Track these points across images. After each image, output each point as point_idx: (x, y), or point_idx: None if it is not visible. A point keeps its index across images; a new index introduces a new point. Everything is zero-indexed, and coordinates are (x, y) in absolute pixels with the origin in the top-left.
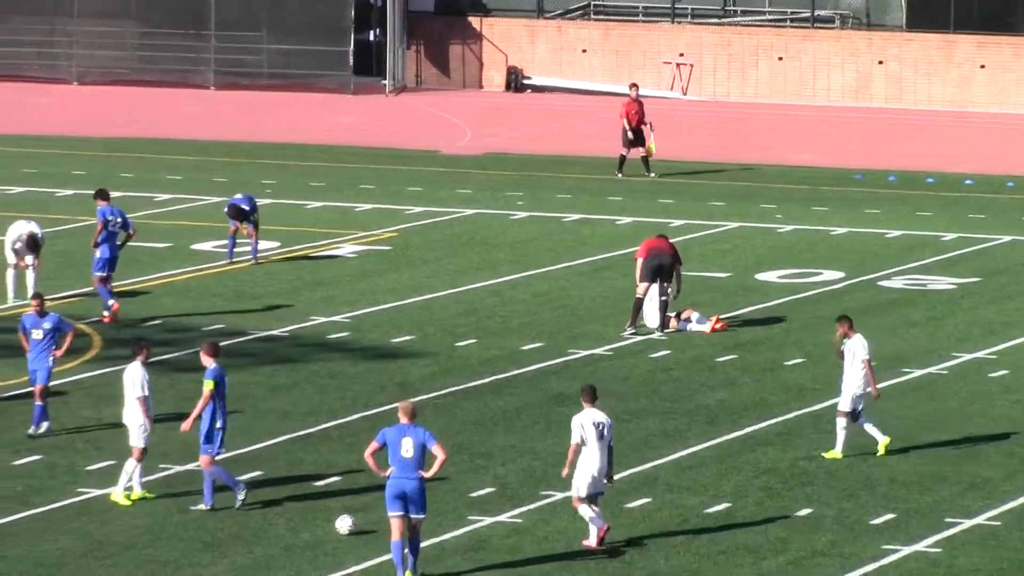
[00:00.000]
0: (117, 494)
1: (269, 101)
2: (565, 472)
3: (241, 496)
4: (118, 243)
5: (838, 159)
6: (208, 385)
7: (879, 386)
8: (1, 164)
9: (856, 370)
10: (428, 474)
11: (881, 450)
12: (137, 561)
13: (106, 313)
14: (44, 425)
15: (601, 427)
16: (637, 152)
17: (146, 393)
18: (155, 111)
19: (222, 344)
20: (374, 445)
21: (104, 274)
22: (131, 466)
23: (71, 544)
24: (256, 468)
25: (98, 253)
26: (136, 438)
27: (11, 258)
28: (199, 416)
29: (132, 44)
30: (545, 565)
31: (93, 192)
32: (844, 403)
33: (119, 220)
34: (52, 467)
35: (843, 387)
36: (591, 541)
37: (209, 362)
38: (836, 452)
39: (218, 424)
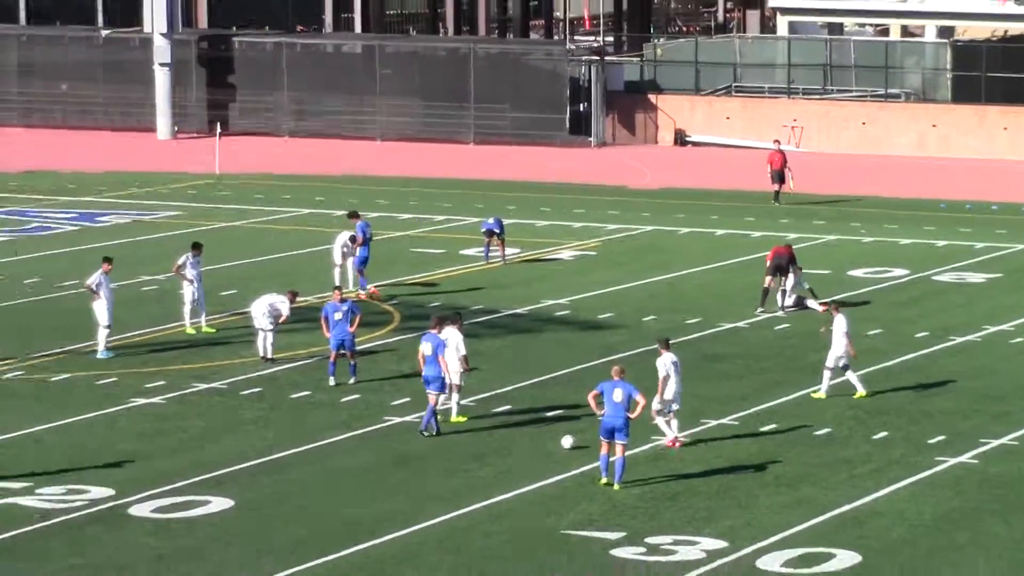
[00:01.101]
0: (454, 416)
1: (510, 152)
2: (658, 397)
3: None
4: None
5: (904, 192)
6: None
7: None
8: (330, 194)
9: (840, 339)
10: (633, 415)
11: (857, 397)
12: (427, 469)
13: (362, 293)
14: (352, 379)
15: (677, 364)
16: (777, 186)
17: (464, 352)
18: (433, 160)
19: (483, 319)
20: (594, 392)
21: (362, 268)
22: (456, 397)
23: (378, 457)
24: (507, 404)
25: (358, 253)
26: (457, 378)
27: (338, 259)
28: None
29: (417, 112)
30: (710, 476)
31: (347, 213)
32: (830, 361)
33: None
34: (367, 404)
35: (831, 351)
36: (667, 441)
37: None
38: (821, 393)
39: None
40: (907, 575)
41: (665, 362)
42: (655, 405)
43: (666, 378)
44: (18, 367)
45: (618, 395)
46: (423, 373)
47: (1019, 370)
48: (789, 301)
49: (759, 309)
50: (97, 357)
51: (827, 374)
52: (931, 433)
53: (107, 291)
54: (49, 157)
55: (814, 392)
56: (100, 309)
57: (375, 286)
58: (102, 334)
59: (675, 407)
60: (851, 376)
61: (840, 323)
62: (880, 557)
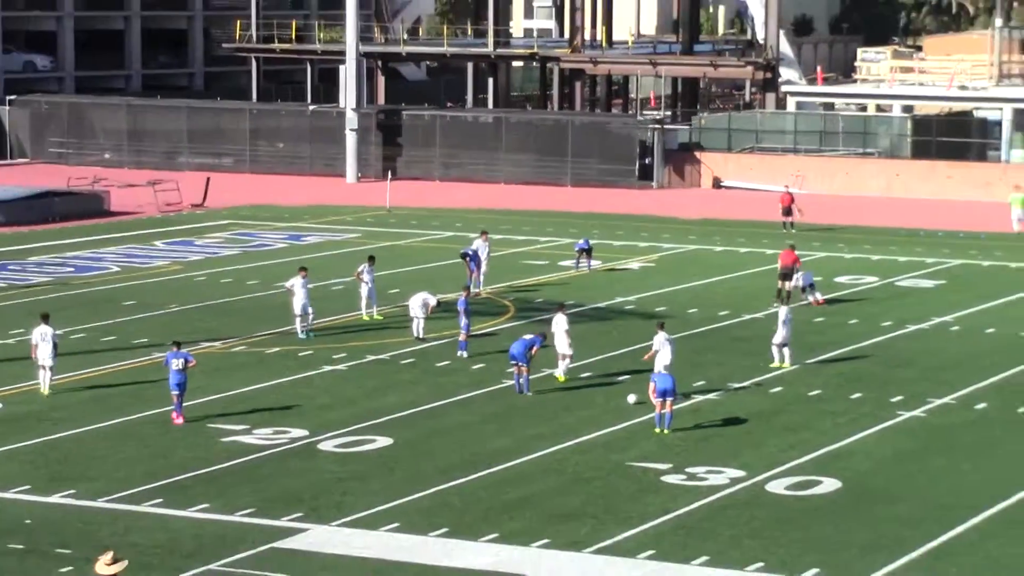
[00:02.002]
0: (560, 376)
1: (596, 193)
2: (646, 356)
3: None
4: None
5: (876, 223)
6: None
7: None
8: (467, 222)
9: (781, 324)
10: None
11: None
12: (531, 417)
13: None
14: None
15: (671, 342)
16: (785, 218)
17: (567, 327)
18: (541, 197)
19: (573, 311)
20: (653, 351)
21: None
22: (565, 364)
23: (496, 408)
24: (589, 371)
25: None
26: (567, 348)
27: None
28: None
29: (530, 163)
30: (734, 424)
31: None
32: (777, 339)
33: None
34: (490, 370)
35: (777, 332)
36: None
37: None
38: (777, 363)
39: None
40: (873, 496)
41: (660, 339)
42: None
43: (657, 351)
44: (242, 344)
45: (666, 378)
46: (511, 351)
47: (957, 350)
48: (811, 297)
49: (775, 303)
50: (299, 337)
51: (775, 350)
52: (893, 394)
53: (302, 290)
54: (269, 195)
55: (771, 364)
56: (296, 303)
57: (490, 289)
58: (297, 321)
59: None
60: (786, 351)
61: (784, 312)
62: (854, 483)
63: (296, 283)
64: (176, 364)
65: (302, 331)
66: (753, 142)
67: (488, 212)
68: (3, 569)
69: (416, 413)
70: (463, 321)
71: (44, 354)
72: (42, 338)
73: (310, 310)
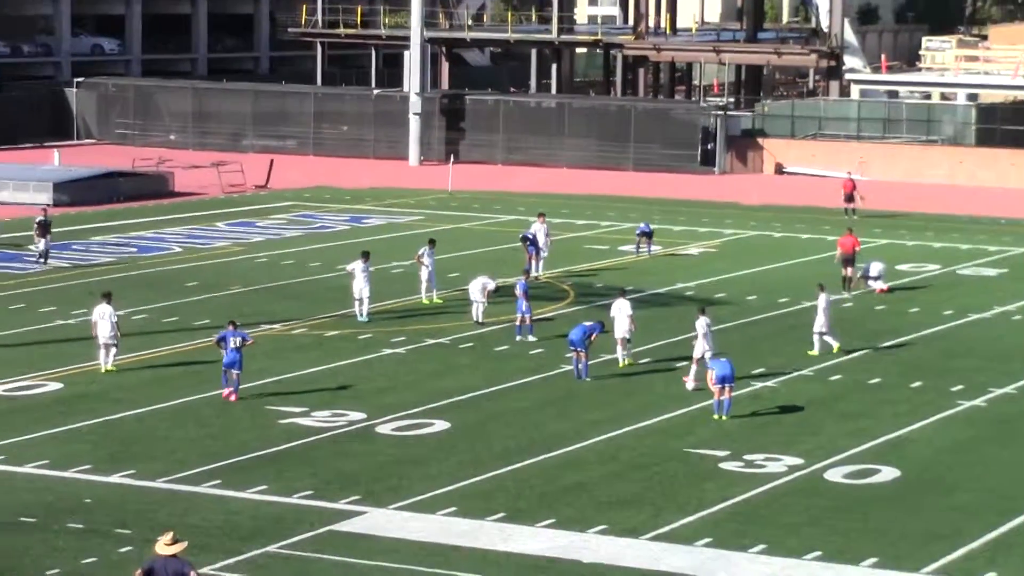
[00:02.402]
0: (622, 362)
1: (658, 178)
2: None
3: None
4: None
5: (938, 210)
6: None
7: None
8: (529, 206)
9: (821, 311)
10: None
11: (835, 351)
12: (590, 402)
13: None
14: (527, 336)
15: (709, 326)
16: (847, 204)
17: (630, 312)
18: (602, 182)
19: (633, 296)
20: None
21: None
22: (626, 348)
23: (554, 393)
24: (648, 356)
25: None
26: (627, 334)
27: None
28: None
29: (592, 148)
30: (792, 412)
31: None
32: (817, 327)
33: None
34: (548, 355)
35: (817, 320)
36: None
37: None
38: (815, 351)
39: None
40: (932, 485)
41: (701, 324)
42: (695, 353)
43: (702, 335)
44: (303, 326)
45: (724, 365)
46: (570, 337)
47: (1019, 339)
48: (874, 284)
49: (845, 293)
50: (358, 320)
51: (816, 339)
52: (953, 383)
53: (362, 274)
54: (332, 177)
55: (809, 351)
56: (355, 287)
57: (550, 274)
58: (356, 305)
59: (708, 356)
60: (827, 338)
61: (822, 300)
62: (913, 472)
63: (356, 267)
64: (234, 343)
65: (362, 314)
66: (816, 129)
67: (550, 196)
68: (63, 548)
69: (474, 397)
70: (523, 305)
71: (104, 332)
72: (101, 316)
73: (366, 294)
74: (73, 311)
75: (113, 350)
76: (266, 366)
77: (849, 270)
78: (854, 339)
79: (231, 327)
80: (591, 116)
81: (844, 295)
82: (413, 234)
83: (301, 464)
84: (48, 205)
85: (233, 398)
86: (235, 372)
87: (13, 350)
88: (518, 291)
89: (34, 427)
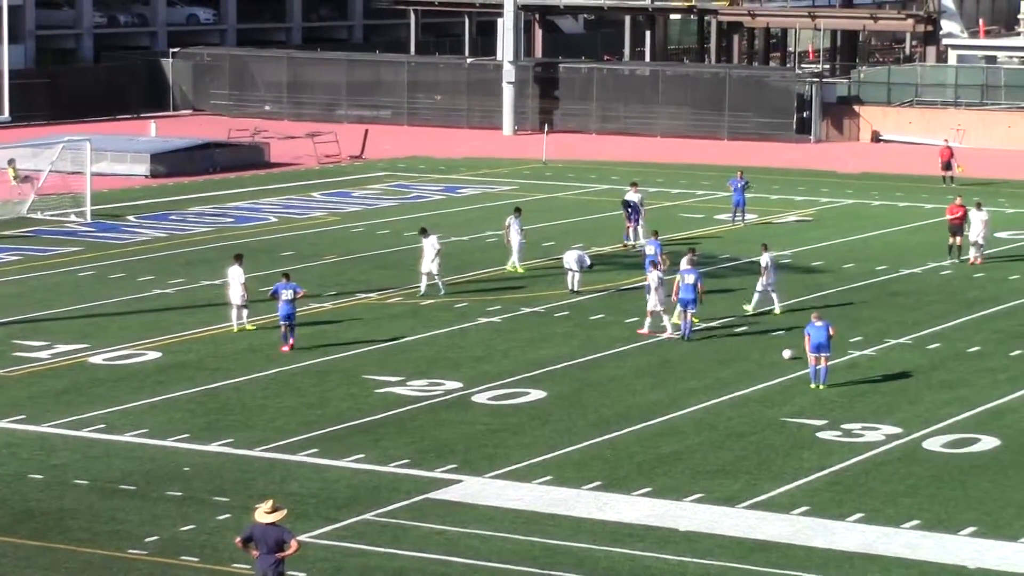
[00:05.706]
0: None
1: (753, 146)
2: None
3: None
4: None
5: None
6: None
7: None
8: (623, 175)
9: (764, 269)
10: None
11: (777, 311)
12: (686, 370)
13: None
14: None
15: (773, 258)
16: (945, 172)
17: (698, 273)
18: (697, 151)
19: (729, 264)
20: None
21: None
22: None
23: (650, 361)
24: (745, 325)
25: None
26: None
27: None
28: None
29: (687, 117)
30: (890, 380)
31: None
32: (759, 284)
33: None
34: (643, 323)
35: (762, 279)
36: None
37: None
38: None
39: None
40: None
41: (765, 259)
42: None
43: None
44: (398, 295)
45: (820, 327)
46: (681, 297)
47: None
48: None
49: (948, 260)
50: (420, 293)
51: (756, 295)
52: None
53: (431, 250)
54: (426, 146)
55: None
56: (424, 263)
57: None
58: (424, 279)
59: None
60: (773, 295)
61: (765, 258)
62: (1014, 441)
63: (427, 243)
64: (286, 295)
65: (431, 288)
66: (913, 96)
67: (644, 165)
68: (162, 515)
69: (570, 366)
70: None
71: (235, 294)
72: (232, 278)
73: (435, 269)
74: (170, 280)
75: (245, 311)
76: (362, 334)
77: (958, 239)
78: (952, 306)
79: (284, 279)
80: (685, 84)
81: (950, 262)
82: (507, 203)
83: (398, 433)
84: (146, 175)
85: (286, 349)
86: (284, 324)
87: (112, 319)
88: (655, 248)
89: (133, 396)
